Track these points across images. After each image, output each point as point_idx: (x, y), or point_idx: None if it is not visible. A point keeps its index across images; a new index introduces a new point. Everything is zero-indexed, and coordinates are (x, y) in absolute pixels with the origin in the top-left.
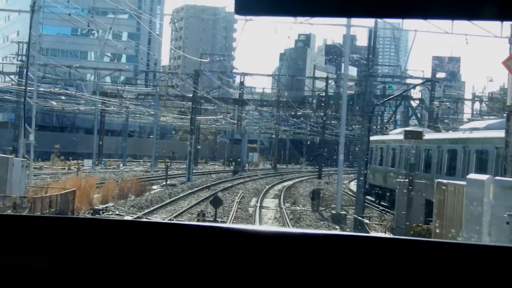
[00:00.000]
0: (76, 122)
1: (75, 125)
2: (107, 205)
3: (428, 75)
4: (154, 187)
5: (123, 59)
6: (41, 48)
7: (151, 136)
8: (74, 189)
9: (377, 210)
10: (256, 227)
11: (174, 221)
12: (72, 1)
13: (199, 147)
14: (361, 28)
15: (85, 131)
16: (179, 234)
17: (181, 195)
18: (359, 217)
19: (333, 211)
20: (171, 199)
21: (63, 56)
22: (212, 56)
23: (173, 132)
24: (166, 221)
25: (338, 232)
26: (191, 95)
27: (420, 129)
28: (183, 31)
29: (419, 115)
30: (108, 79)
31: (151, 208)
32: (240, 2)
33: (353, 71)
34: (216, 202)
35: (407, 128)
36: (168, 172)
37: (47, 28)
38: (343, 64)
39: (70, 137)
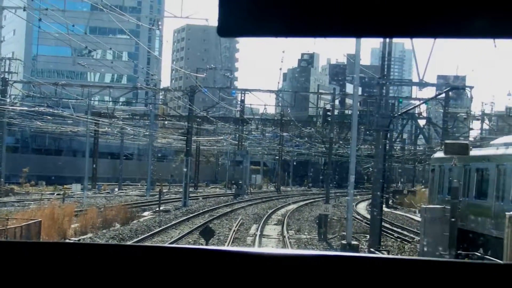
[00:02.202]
0: (73, 144)
1: (71, 148)
2: (84, 236)
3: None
4: (145, 213)
5: (124, 80)
6: (35, 69)
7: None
8: (40, 220)
9: (395, 239)
10: (259, 249)
11: (171, 245)
12: (70, 21)
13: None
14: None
15: (83, 154)
16: (176, 259)
17: (173, 222)
18: (374, 250)
19: (343, 241)
20: (160, 228)
21: (60, 77)
22: (209, 71)
23: (174, 154)
24: (163, 245)
25: (340, 253)
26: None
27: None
28: (184, 52)
29: (426, 134)
30: (102, 98)
31: (133, 240)
32: (223, 23)
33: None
34: (207, 233)
35: (448, 141)
36: (165, 197)
37: (44, 48)
38: (352, 82)
39: (63, 160)
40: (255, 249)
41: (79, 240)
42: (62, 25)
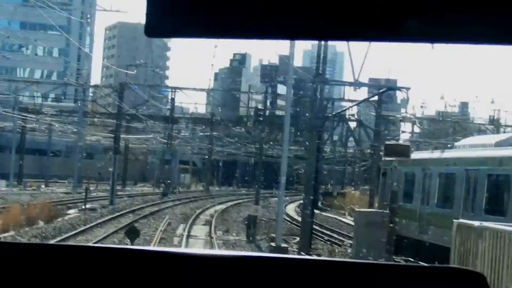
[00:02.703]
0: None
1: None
2: (5, 234)
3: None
4: (71, 211)
5: (54, 76)
6: None
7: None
8: None
9: (326, 243)
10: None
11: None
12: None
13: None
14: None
15: (10, 150)
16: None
17: (98, 221)
18: (305, 254)
19: (273, 243)
20: (84, 227)
21: None
22: (140, 69)
23: (103, 152)
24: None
25: (268, 254)
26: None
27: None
28: (116, 49)
29: (357, 136)
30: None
31: (56, 239)
32: (151, 23)
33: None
34: (132, 233)
35: (389, 143)
36: (92, 195)
37: None
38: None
39: None
40: (188, 250)
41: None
42: None
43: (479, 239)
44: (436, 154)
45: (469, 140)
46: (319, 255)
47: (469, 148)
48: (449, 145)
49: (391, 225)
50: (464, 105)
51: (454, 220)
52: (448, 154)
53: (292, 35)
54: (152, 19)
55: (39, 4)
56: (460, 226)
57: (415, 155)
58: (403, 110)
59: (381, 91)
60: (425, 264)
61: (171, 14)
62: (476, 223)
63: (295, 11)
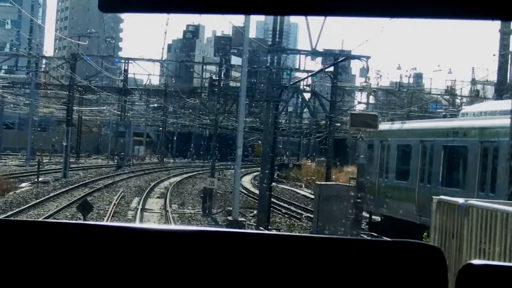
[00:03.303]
0: None
1: None
2: None
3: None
4: (23, 184)
5: (7, 49)
6: None
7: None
8: None
9: (285, 216)
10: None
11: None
12: None
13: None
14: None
15: None
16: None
17: (51, 195)
18: (263, 228)
19: (230, 217)
20: (37, 201)
21: None
22: (92, 40)
23: (56, 124)
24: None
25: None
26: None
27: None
28: (68, 21)
29: (311, 107)
30: None
31: (7, 214)
32: None
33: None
34: (84, 208)
35: (354, 112)
36: (46, 167)
37: None
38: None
39: None
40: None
41: None
42: None
43: (464, 219)
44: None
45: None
46: (278, 229)
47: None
48: (406, 116)
49: (358, 200)
50: (419, 76)
51: (434, 197)
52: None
53: (246, 9)
54: None
55: None
56: (441, 203)
57: (392, 125)
58: (362, 80)
59: (340, 59)
60: (385, 239)
61: None
62: (460, 200)
63: None
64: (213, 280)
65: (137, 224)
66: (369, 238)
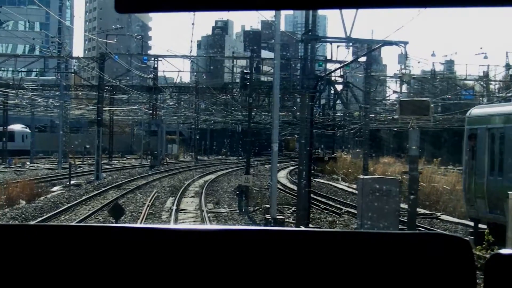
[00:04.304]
0: None
1: None
2: None
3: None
4: (55, 188)
5: (37, 51)
6: None
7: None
8: None
9: (324, 212)
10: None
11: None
12: None
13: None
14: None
15: None
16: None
17: (83, 198)
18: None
19: (268, 216)
20: (68, 205)
21: None
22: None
23: (88, 125)
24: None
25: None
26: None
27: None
28: (97, 21)
29: (344, 98)
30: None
31: (37, 220)
32: None
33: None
34: (116, 211)
35: (404, 98)
36: (78, 170)
37: None
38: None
39: None
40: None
41: None
42: None
43: None
44: None
45: None
46: (319, 227)
47: None
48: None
49: (412, 195)
50: (450, 63)
51: (510, 192)
52: None
53: (261, 4)
54: None
55: None
56: None
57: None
58: (394, 69)
59: (377, 45)
60: (411, 231)
61: None
62: None
63: None
64: (230, 278)
65: (141, 225)
66: (394, 231)
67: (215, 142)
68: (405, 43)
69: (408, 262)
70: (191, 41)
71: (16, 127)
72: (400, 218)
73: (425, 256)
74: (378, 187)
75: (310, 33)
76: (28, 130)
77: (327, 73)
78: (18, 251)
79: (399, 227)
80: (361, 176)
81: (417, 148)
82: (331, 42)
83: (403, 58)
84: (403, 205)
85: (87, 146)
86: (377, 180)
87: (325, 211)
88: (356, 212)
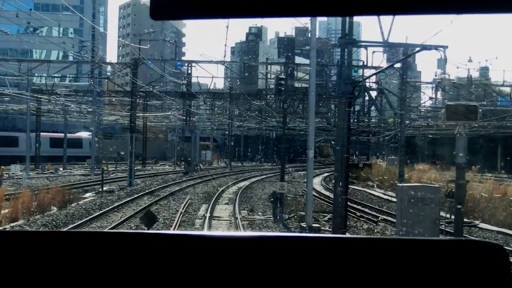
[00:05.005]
0: (17, 123)
1: (16, 127)
2: (14, 223)
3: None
4: (87, 195)
5: (71, 57)
6: None
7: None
8: None
9: (361, 220)
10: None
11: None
12: None
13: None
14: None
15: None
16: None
17: (115, 205)
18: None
19: (304, 224)
20: (99, 212)
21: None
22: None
23: (121, 131)
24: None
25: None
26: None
27: None
28: (130, 27)
29: (379, 105)
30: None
31: (68, 227)
32: (156, 5)
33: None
34: (148, 219)
35: (451, 103)
36: (111, 176)
37: None
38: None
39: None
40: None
41: (12, 228)
42: (7, 2)
43: None
44: None
45: None
46: (356, 235)
47: None
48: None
49: (459, 206)
50: (485, 69)
51: None
52: None
53: (295, 11)
54: (156, 1)
55: None
56: None
57: None
58: (440, 71)
59: (416, 50)
60: (445, 238)
61: None
62: None
63: None
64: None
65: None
66: (429, 237)
67: (249, 148)
68: (445, 47)
69: (443, 268)
70: (225, 45)
71: (83, 134)
72: (440, 227)
73: (461, 263)
74: (417, 194)
75: (347, 37)
76: None
77: (365, 77)
78: (52, 258)
79: (439, 236)
80: (400, 184)
81: (465, 156)
82: (366, 47)
83: (443, 62)
84: (442, 213)
85: (122, 153)
86: (416, 187)
87: (361, 218)
88: (393, 220)
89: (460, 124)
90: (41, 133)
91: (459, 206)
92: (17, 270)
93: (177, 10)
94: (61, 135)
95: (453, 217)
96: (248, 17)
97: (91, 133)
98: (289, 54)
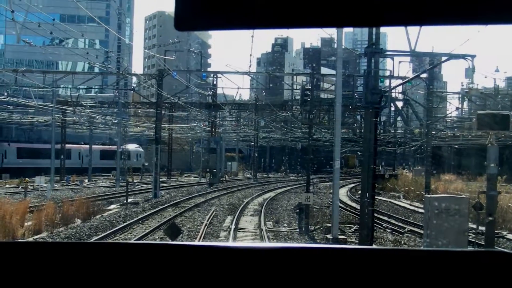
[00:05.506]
0: (43, 135)
1: (41, 138)
2: (37, 236)
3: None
4: (111, 206)
5: (96, 68)
6: (3, 58)
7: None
8: None
9: (386, 231)
10: (251, 244)
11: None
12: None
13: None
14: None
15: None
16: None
17: (140, 217)
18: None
19: (329, 235)
20: (124, 224)
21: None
22: (182, 56)
23: (147, 143)
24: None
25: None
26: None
27: None
28: (156, 39)
29: (405, 115)
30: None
31: (92, 239)
32: (180, 16)
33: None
34: (172, 232)
35: (482, 112)
36: (137, 187)
37: (12, 37)
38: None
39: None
40: (244, 244)
41: (34, 239)
42: (32, 13)
43: None
44: None
45: None
46: (383, 246)
47: None
48: None
49: (490, 218)
50: (511, 79)
51: None
52: None
53: (321, 22)
54: (181, 12)
55: None
56: None
57: None
58: (466, 81)
59: (444, 59)
60: (464, 249)
61: (200, 6)
62: None
63: None
64: None
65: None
66: (453, 248)
67: (274, 159)
68: (473, 56)
69: (471, 280)
70: (251, 56)
71: (131, 146)
72: (469, 239)
73: (483, 273)
74: (445, 206)
75: (373, 47)
76: (141, 149)
77: (391, 87)
78: (73, 268)
79: (468, 248)
80: (428, 195)
81: (496, 166)
82: (392, 57)
83: (471, 72)
84: (471, 225)
85: (146, 164)
86: (444, 198)
87: (388, 230)
88: (419, 231)
89: (491, 133)
90: (93, 146)
91: (490, 218)
92: (38, 280)
93: (201, 21)
94: (110, 147)
95: (480, 228)
96: (273, 28)
97: (137, 145)
98: (315, 64)
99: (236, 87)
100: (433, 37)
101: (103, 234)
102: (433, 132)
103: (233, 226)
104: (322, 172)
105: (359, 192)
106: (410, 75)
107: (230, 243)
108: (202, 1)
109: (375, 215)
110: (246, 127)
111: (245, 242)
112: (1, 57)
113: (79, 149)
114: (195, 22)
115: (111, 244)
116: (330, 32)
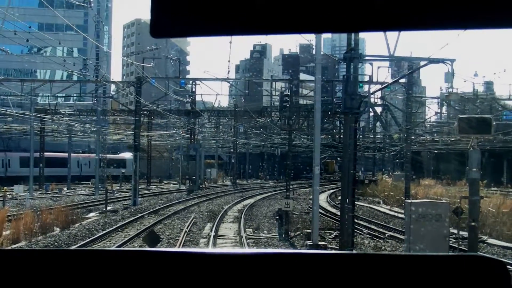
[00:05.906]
0: (21, 143)
1: (20, 147)
2: (16, 245)
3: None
4: (90, 214)
5: (75, 77)
6: None
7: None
8: None
9: (370, 237)
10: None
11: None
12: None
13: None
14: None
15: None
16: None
17: (119, 224)
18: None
19: (309, 242)
20: (103, 232)
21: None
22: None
23: (126, 150)
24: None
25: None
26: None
27: None
28: (135, 46)
29: (384, 121)
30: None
31: (70, 247)
32: (157, 23)
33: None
34: (151, 240)
35: (463, 116)
36: (116, 195)
37: None
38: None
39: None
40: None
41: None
42: (10, 22)
43: None
44: None
45: None
46: (364, 251)
47: None
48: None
49: (473, 223)
50: (489, 83)
51: None
52: None
53: (300, 28)
54: (157, 19)
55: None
56: None
57: None
58: (446, 85)
59: (423, 64)
60: (442, 253)
61: (176, 13)
62: None
63: (301, 5)
64: None
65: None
66: (430, 253)
67: (254, 166)
68: (452, 60)
69: (450, 284)
70: (229, 62)
71: (127, 155)
72: (450, 244)
73: (462, 278)
74: (426, 211)
75: (352, 52)
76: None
77: (370, 92)
78: (50, 276)
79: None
80: (408, 200)
81: (478, 170)
82: (371, 63)
83: (450, 76)
84: (452, 230)
85: (123, 171)
86: (424, 204)
87: (368, 235)
88: (400, 236)
89: (473, 137)
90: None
91: (473, 223)
92: None
93: (177, 27)
94: (113, 156)
95: (461, 233)
96: (251, 34)
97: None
98: (293, 71)
99: (215, 93)
100: (412, 43)
101: (82, 243)
102: (412, 137)
103: (212, 233)
104: (302, 178)
105: (339, 197)
106: (389, 80)
107: (209, 249)
108: (178, 8)
109: (355, 220)
110: (225, 134)
111: (225, 248)
112: None
113: (78, 157)
114: (171, 29)
115: (89, 251)
116: (309, 39)
